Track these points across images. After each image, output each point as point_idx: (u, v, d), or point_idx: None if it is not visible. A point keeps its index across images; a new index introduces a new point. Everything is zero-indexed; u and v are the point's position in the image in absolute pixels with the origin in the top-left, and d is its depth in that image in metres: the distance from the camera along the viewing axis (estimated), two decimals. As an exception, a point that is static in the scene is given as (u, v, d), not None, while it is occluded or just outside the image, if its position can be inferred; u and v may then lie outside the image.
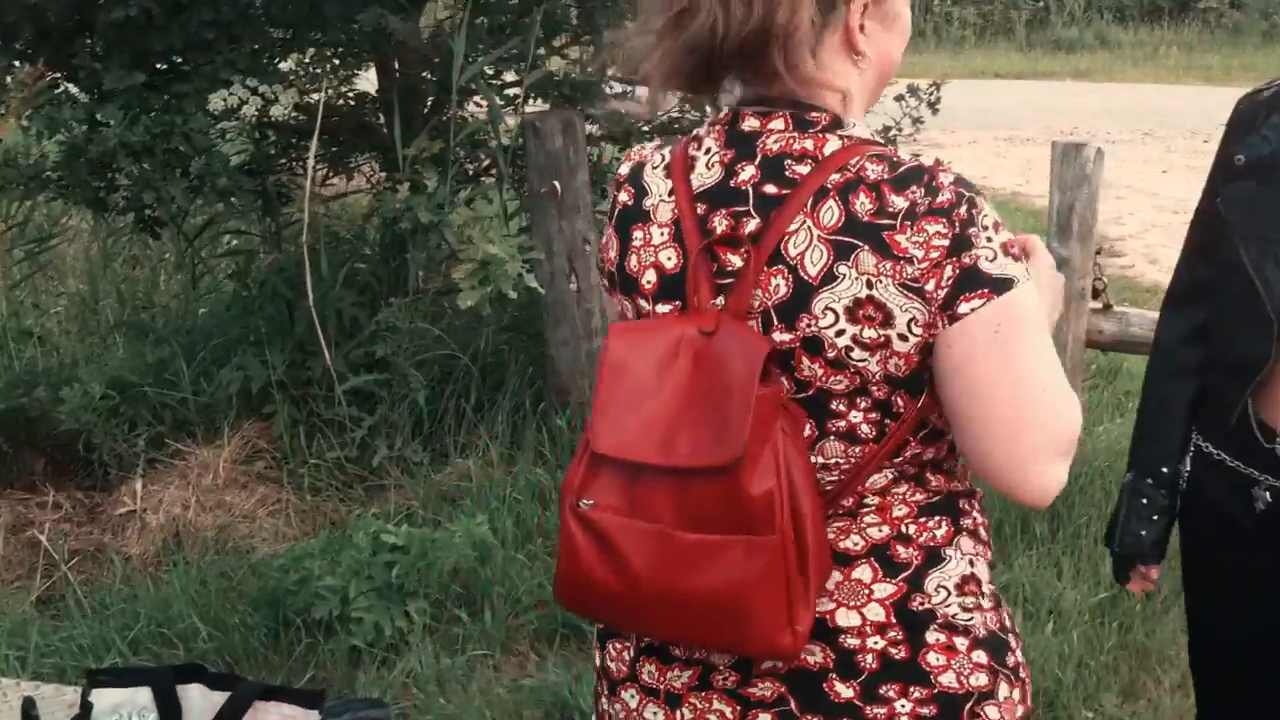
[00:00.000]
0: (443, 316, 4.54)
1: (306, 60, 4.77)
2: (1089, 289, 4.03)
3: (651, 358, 1.41)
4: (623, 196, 1.54)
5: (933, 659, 1.44)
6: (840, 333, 1.36)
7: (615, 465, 1.42)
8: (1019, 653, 1.52)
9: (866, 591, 1.45)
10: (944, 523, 1.48)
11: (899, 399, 1.41)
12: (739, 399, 1.34)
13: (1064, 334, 3.97)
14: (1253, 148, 1.98)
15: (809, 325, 1.37)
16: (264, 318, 4.55)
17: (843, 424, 1.41)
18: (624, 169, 1.57)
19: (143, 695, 1.99)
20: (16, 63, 4.30)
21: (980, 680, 1.45)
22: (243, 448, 4.26)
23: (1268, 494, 2.00)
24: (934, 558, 1.46)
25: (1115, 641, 3.45)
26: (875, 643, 1.44)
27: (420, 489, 4.16)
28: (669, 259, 1.47)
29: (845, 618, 1.44)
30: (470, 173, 5.03)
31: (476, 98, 4.88)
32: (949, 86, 5.45)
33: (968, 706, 1.44)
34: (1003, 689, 1.47)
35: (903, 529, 1.46)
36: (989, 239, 1.35)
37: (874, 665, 1.44)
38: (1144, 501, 2.15)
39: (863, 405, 1.40)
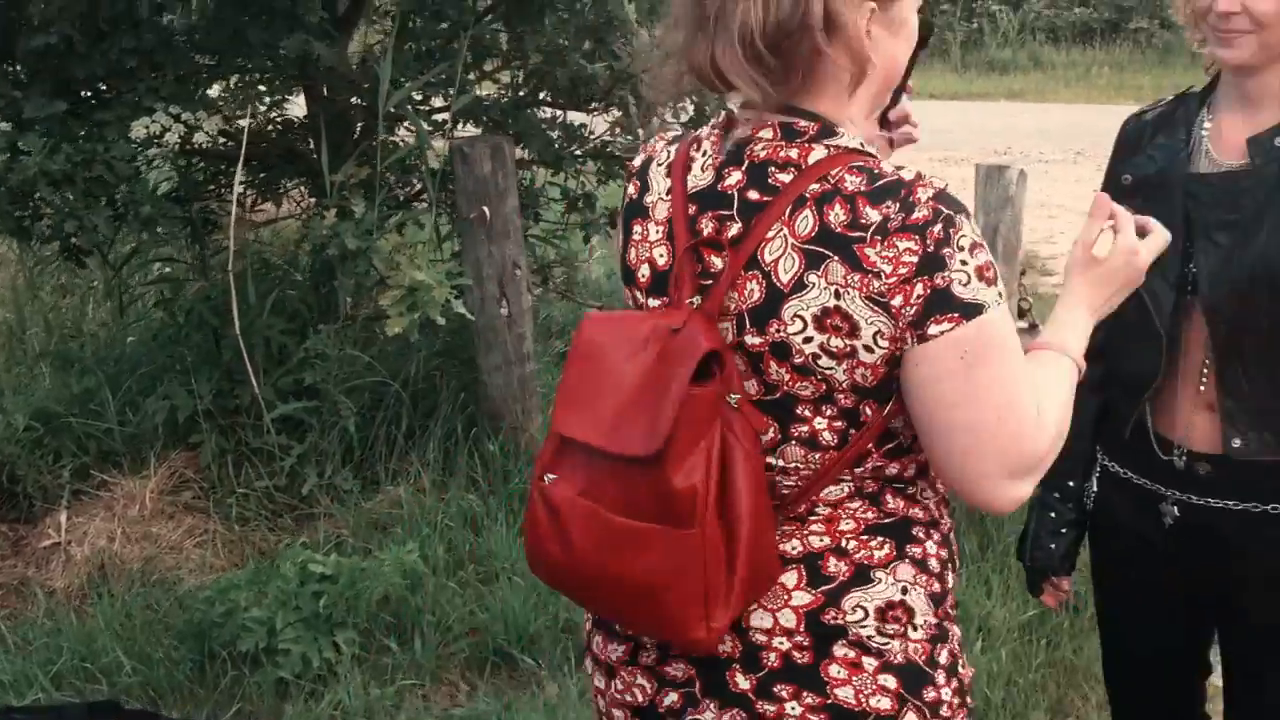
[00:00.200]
0: (373, 343, 4.50)
1: (232, 86, 4.72)
2: (1015, 309, 4.06)
3: (622, 348, 1.46)
4: (630, 190, 1.60)
5: (834, 671, 1.45)
6: (808, 340, 1.39)
7: (577, 446, 1.47)
8: (947, 692, 1.50)
9: (785, 596, 1.47)
10: (887, 545, 1.48)
11: (866, 408, 1.43)
12: (672, 395, 1.38)
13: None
14: (1138, 167, 2.03)
15: (778, 330, 1.40)
16: (190, 346, 4.49)
17: (805, 429, 1.44)
18: (636, 161, 1.62)
19: (53, 734, 1.96)
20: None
21: (882, 703, 1.45)
22: (169, 478, 4.20)
23: (1175, 509, 2.03)
24: (862, 577, 1.47)
25: (1043, 659, 3.47)
26: (781, 643, 1.46)
27: (350, 517, 4.12)
28: (661, 256, 1.52)
29: (759, 618, 1.47)
30: (400, 198, 5.01)
31: (406, 123, 4.86)
32: (884, 109, 5.47)
33: None
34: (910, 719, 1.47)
35: (842, 543, 1.47)
36: (963, 261, 1.36)
37: (776, 664, 1.46)
38: (1052, 515, 2.20)
39: (828, 412, 1.43)
